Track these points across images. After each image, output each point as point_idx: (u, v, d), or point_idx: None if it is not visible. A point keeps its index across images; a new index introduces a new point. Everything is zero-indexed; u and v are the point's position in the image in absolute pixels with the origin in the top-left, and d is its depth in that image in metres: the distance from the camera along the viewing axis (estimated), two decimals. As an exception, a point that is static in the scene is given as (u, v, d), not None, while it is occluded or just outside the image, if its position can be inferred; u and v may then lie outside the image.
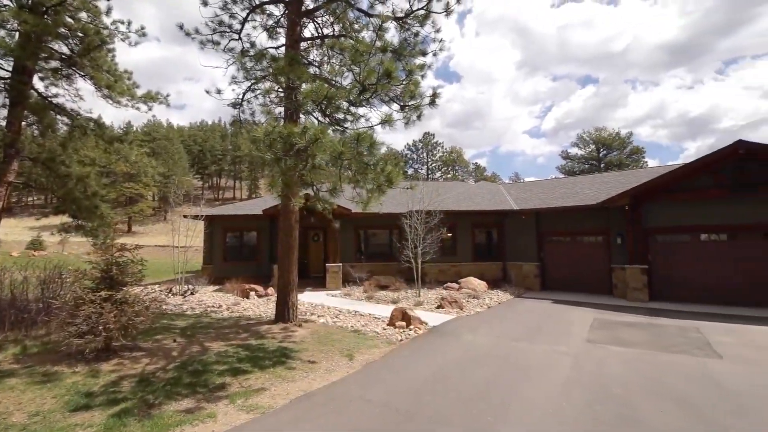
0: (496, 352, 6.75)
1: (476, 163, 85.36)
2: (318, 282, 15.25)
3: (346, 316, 9.69)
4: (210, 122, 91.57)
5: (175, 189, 19.51)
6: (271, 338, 7.58)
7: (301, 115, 8.00)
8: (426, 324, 8.64)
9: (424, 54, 8.05)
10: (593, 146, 61.43)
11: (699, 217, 11.05)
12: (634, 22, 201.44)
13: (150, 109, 11.91)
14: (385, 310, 9.75)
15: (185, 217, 15.50)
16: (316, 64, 9.88)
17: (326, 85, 6.46)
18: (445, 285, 13.52)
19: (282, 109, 8.75)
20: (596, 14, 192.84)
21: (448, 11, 7.59)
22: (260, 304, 11.24)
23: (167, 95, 12.21)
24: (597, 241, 13.48)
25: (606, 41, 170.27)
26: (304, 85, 6.84)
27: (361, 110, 7.20)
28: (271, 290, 12.62)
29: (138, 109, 11.74)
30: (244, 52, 9.38)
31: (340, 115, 6.92)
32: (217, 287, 14.35)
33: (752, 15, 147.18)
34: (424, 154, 72.79)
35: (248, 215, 16.49)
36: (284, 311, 8.79)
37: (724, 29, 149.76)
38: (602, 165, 59.45)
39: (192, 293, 12.88)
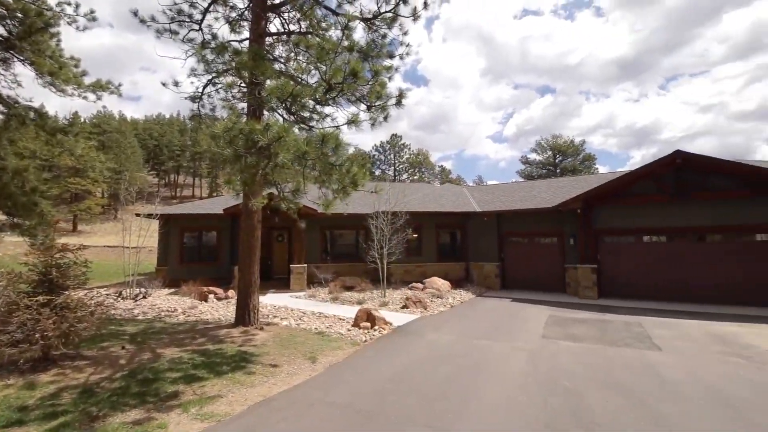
0: (458, 351, 6.91)
1: (442, 165, 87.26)
2: (282, 283, 14.90)
3: (311, 317, 9.54)
4: (168, 116, 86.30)
5: (126, 185, 18.29)
6: (230, 343, 7.30)
7: (266, 112, 7.78)
8: (391, 324, 8.69)
9: (391, 56, 8.11)
10: (550, 152, 64.81)
11: (643, 220, 11.95)
12: (588, 37, 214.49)
13: (99, 99, 11.16)
14: (351, 311, 9.71)
15: (138, 215, 14.60)
16: (282, 61, 9.65)
17: (292, 83, 6.33)
18: (410, 285, 13.67)
19: (245, 104, 8.47)
20: (554, 28, 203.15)
21: (415, 16, 7.68)
22: (219, 308, 10.79)
23: (119, 85, 11.49)
24: (552, 242, 14.19)
25: (563, 54, 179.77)
26: (268, 82, 6.65)
27: (327, 109, 7.11)
28: (231, 293, 12.16)
29: (86, 98, 10.96)
30: (204, 44, 8.98)
31: (306, 114, 6.81)
32: (172, 290, 13.61)
33: (691, 36, 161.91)
34: (392, 156, 73.30)
35: (208, 214, 15.81)
36: (245, 314, 8.50)
37: (666, 48, 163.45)
38: (558, 170, 62.81)
39: (144, 297, 12.14)
